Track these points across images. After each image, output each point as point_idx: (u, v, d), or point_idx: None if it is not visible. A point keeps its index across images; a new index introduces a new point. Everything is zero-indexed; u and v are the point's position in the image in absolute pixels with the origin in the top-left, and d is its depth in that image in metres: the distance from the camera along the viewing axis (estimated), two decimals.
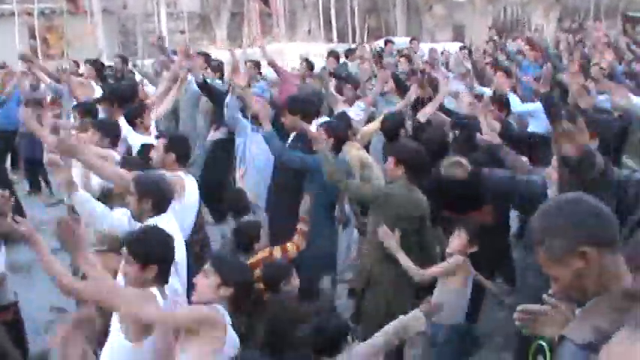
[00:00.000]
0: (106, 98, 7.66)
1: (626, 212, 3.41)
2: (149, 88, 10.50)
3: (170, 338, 3.63)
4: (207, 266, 3.66)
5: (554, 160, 4.08)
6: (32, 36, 22.70)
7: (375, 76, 11.44)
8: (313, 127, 6.70)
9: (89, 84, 9.90)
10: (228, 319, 3.63)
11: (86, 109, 7.36)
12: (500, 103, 7.52)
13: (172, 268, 3.91)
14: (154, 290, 3.74)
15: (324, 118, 7.47)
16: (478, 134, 6.01)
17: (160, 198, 4.54)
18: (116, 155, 6.07)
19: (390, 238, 5.01)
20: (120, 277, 3.99)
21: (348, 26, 26.60)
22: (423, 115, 7.27)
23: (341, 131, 6.30)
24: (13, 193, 9.72)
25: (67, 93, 9.51)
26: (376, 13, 29.73)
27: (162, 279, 3.75)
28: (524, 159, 5.85)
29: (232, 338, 3.64)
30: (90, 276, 3.66)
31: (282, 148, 6.19)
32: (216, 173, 9.00)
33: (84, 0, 23.94)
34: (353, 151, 6.89)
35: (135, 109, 7.58)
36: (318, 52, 16.33)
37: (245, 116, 7.77)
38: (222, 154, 8.67)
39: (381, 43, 17.36)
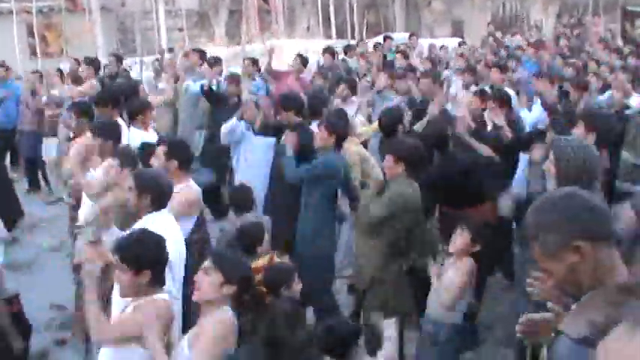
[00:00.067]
0: (102, 100, 7.63)
1: None
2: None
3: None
4: (208, 263, 3.61)
5: (552, 154, 4.08)
6: (31, 34, 22.66)
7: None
8: (314, 127, 6.74)
9: (93, 85, 9.88)
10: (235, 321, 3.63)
11: (82, 110, 7.36)
12: (501, 99, 7.50)
13: (166, 268, 3.89)
14: (162, 295, 3.74)
15: None
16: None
17: (159, 193, 4.55)
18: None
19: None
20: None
21: (347, 22, 26.56)
22: (420, 126, 7.26)
23: (341, 128, 6.31)
24: (13, 191, 9.74)
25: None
26: (375, 9, 29.70)
27: (156, 282, 3.72)
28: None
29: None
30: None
31: (295, 173, 6.12)
32: (214, 172, 9.02)
33: None
34: (352, 147, 6.91)
35: (137, 105, 7.61)
36: (317, 49, 16.29)
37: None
38: (219, 154, 8.67)
39: (380, 39, 17.33)
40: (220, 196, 8.90)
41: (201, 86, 9.48)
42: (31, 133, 10.84)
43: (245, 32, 24.43)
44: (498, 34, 19.05)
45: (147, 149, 6.09)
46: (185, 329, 4.02)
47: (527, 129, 7.76)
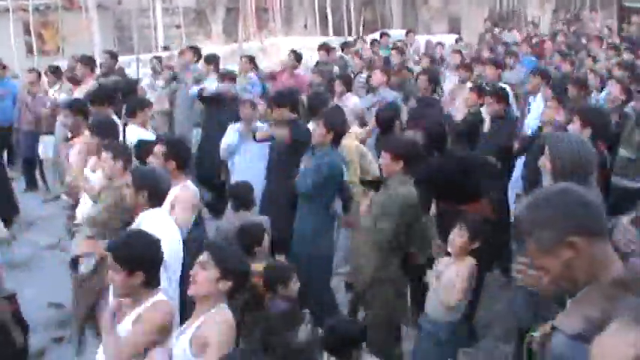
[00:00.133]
0: (97, 98, 7.64)
1: None
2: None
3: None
4: (204, 257, 3.58)
5: (547, 150, 4.08)
6: (27, 32, 22.60)
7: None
8: (311, 125, 6.75)
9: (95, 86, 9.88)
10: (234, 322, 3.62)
11: (78, 109, 7.37)
12: (498, 95, 7.51)
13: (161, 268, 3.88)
14: (159, 297, 3.73)
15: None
16: None
17: (156, 190, 4.55)
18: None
19: None
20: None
21: (344, 20, 26.54)
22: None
23: (339, 125, 6.31)
24: (10, 189, 9.74)
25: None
26: (372, 6, 29.68)
27: (150, 283, 3.70)
28: None
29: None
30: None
31: (305, 183, 6.07)
32: (208, 168, 9.04)
33: None
34: (349, 142, 6.97)
35: (135, 103, 7.64)
36: (314, 47, 16.25)
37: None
38: (215, 153, 8.68)
39: (376, 36, 17.33)
40: (217, 195, 8.91)
41: (199, 90, 9.60)
42: (29, 133, 10.83)
43: (242, 30, 24.39)
44: (497, 30, 19.00)
45: (144, 147, 6.09)
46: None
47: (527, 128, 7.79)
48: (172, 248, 4.31)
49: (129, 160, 5.73)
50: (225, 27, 28.31)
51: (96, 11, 22.70)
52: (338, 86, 9.31)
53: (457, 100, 9.31)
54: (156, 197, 4.56)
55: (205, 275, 3.51)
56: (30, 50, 22.55)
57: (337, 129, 6.19)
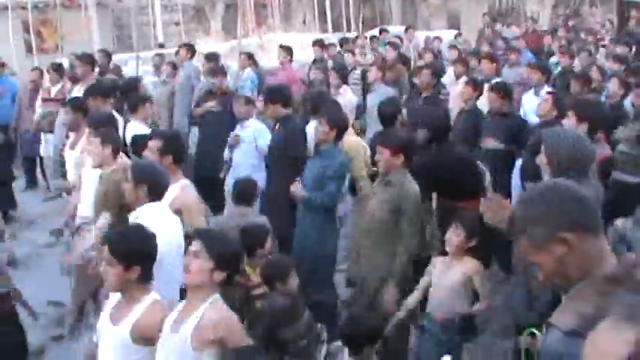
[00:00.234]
0: (93, 92, 7.69)
1: None
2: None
3: None
4: (197, 246, 3.56)
5: (543, 146, 4.08)
6: (26, 30, 22.56)
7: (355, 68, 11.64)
8: (312, 124, 6.78)
9: None
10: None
11: (77, 106, 7.39)
12: (499, 91, 7.46)
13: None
14: (153, 295, 3.72)
15: None
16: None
17: (155, 184, 4.54)
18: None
19: None
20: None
21: (343, 16, 26.50)
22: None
23: (341, 121, 6.33)
24: (10, 185, 9.77)
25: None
26: (371, 3, 29.62)
27: (145, 278, 3.70)
28: None
29: None
30: None
31: (332, 196, 6.10)
32: (208, 167, 9.03)
33: None
34: (352, 138, 7.07)
35: (137, 99, 7.68)
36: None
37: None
38: (214, 149, 8.69)
39: (376, 32, 17.35)
40: (216, 191, 8.91)
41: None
42: (31, 132, 10.83)
43: (241, 26, 24.35)
44: (498, 26, 18.99)
45: (140, 141, 6.09)
46: None
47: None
48: (172, 242, 4.29)
49: (118, 148, 5.72)
50: (224, 24, 28.29)
51: (95, 9, 22.66)
52: (334, 79, 9.42)
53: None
54: (155, 192, 4.54)
55: (199, 264, 3.51)
56: (29, 48, 22.50)
57: (340, 125, 6.23)
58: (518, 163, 6.64)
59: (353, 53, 12.92)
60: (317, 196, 6.00)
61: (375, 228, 5.34)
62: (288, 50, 12.04)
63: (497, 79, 9.08)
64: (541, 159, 4.10)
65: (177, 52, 12.46)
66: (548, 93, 7.55)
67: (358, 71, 11.64)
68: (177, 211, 4.73)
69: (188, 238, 4.09)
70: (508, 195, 6.81)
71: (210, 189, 8.82)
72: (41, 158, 10.83)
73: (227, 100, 8.95)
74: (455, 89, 9.29)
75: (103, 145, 5.61)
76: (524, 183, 6.25)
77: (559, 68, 11.16)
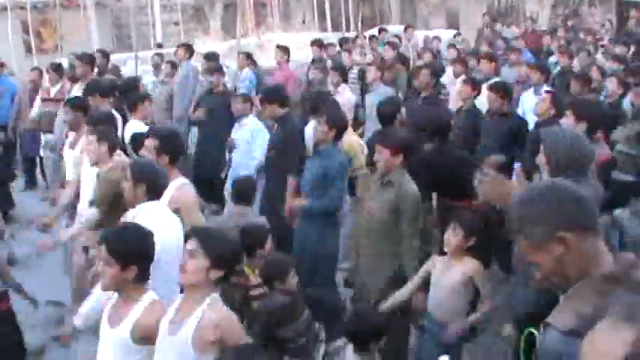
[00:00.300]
0: (91, 90, 7.71)
1: None
2: None
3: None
4: (193, 245, 3.52)
5: (542, 146, 4.08)
6: (25, 30, 22.56)
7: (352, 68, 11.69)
8: (311, 124, 6.79)
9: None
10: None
11: (77, 105, 7.38)
12: (499, 90, 7.45)
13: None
14: (150, 294, 3.71)
15: None
16: None
17: (154, 183, 4.52)
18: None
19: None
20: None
21: (342, 16, 26.51)
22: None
23: (341, 121, 6.34)
24: (7, 187, 9.76)
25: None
26: (370, 2, 29.62)
27: (142, 278, 3.68)
28: None
29: None
30: None
31: (335, 200, 6.13)
32: (208, 168, 9.04)
33: None
34: (352, 137, 7.15)
35: (136, 97, 7.69)
36: None
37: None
38: (213, 149, 8.70)
39: (375, 31, 17.36)
40: (216, 191, 8.92)
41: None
42: (30, 131, 10.83)
43: (240, 26, 24.34)
44: (498, 26, 19.00)
45: (139, 140, 6.08)
46: None
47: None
48: (170, 242, 4.27)
49: (114, 146, 5.71)
50: (224, 23, 28.28)
51: (94, 9, 22.70)
52: (334, 77, 9.50)
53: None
54: (154, 190, 4.51)
55: (195, 264, 3.47)
56: (28, 48, 22.49)
57: (339, 125, 6.24)
58: (517, 165, 6.66)
59: (350, 52, 12.95)
60: (319, 204, 6.02)
61: (375, 228, 5.33)
62: (285, 50, 12.10)
63: (496, 79, 9.08)
64: (540, 158, 4.11)
65: (176, 52, 12.47)
66: (547, 92, 7.55)
67: (355, 70, 11.69)
68: (176, 211, 4.71)
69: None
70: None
71: (210, 189, 8.85)
72: (41, 158, 10.82)
73: (226, 100, 8.96)
74: (454, 89, 9.30)
75: (99, 143, 5.60)
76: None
77: (558, 68, 11.17)
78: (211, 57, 11.34)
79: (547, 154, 4.01)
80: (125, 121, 7.66)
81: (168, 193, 4.85)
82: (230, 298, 4.70)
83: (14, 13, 21.81)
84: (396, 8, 28.11)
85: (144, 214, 4.35)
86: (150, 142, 5.29)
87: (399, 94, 10.16)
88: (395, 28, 18.41)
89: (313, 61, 12.89)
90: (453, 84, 9.78)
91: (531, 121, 7.50)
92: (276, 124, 7.26)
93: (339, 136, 6.25)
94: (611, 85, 8.24)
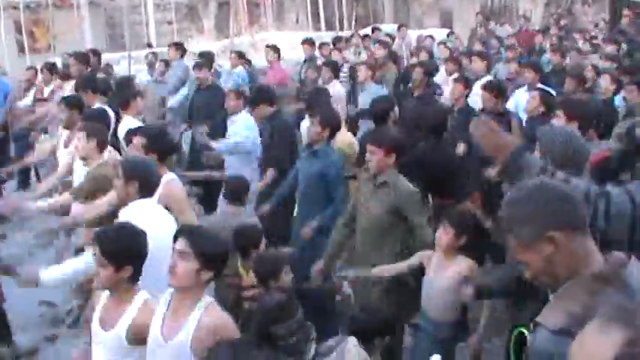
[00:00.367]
0: (82, 85, 7.73)
1: None
2: None
3: None
4: (182, 246, 3.43)
5: (537, 145, 4.08)
6: (18, 30, 22.51)
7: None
8: (305, 124, 6.81)
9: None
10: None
11: (73, 103, 7.37)
12: (492, 89, 7.42)
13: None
14: (143, 294, 3.69)
15: None
16: None
17: (146, 181, 4.49)
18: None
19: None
20: None
21: (336, 15, 26.52)
22: None
23: (334, 120, 6.35)
24: None
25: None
26: (364, 1, 29.65)
27: (136, 277, 3.65)
28: None
29: None
30: None
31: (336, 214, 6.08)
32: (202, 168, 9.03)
33: None
34: (346, 137, 7.13)
35: (127, 94, 7.69)
36: None
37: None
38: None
39: (368, 30, 17.37)
40: (211, 191, 8.91)
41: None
42: (26, 132, 10.80)
43: (234, 25, 24.33)
44: (491, 25, 19.03)
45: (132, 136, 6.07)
46: None
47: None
48: (162, 239, 4.21)
49: (104, 142, 5.70)
50: (217, 22, 28.28)
51: (87, 8, 22.68)
52: (326, 72, 9.59)
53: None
54: (147, 188, 4.48)
55: (184, 266, 3.39)
56: (21, 48, 22.46)
57: (333, 124, 6.25)
58: None
59: (340, 51, 13.00)
60: (327, 216, 6.03)
61: (373, 228, 5.28)
62: (275, 49, 12.19)
63: (488, 77, 9.09)
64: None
65: (168, 51, 12.49)
66: (536, 90, 7.57)
67: (346, 68, 11.73)
68: (167, 207, 4.70)
69: None
70: (501, 196, 6.83)
71: (204, 189, 8.84)
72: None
73: (216, 96, 9.02)
74: (447, 88, 9.30)
75: (88, 139, 5.58)
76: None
77: (550, 66, 11.19)
78: (205, 55, 11.35)
79: (542, 152, 4.01)
80: (119, 118, 7.64)
81: (157, 190, 4.83)
82: (224, 298, 4.71)
83: (7, 13, 21.78)
84: (390, 8, 28.15)
85: (135, 212, 4.32)
86: (138, 140, 5.31)
87: (386, 89, 10.18)
88: (388, 27, 18.42)
89: (306, 60, 12.91)
90: (446, 83, 9.78)
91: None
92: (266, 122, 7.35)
93: (332, 135, 6.26)
94: (604, 82, 8.27)
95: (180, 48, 11.60)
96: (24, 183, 11.35)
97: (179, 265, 3.40)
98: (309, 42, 13.42)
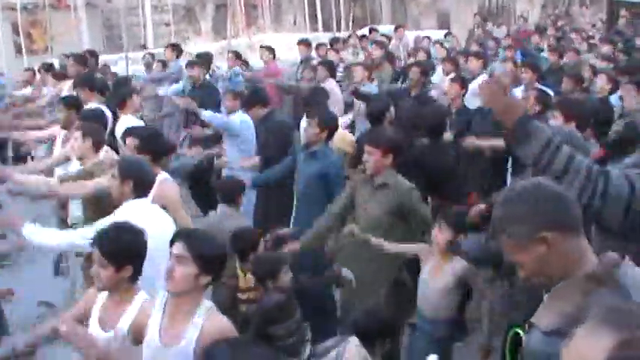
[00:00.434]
0: (80, 82, 7.74)
1: None
2: None
3: None
4: (180, 250, 3.33)
5: None
6: (15, 31, 22.49)
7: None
8: (304, 123, 6.83)
9: None
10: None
11: (71, 103, 7.38)
12: None
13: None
14: (142, 294, 3.68)
15: None
16: None
17: (141, 180, 4.49)
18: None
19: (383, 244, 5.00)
20: None
21: (333, 16, 26.54)
22: None
23: (332, 121, 6.35)
24: None
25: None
26: (361, 2, 29.67)
27: (136, 276, 3.63)
28: None
29: None
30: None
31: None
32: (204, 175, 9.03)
33: None
34: (347, 136, 7.22)
35: (123, 92, 7.71)
36: None
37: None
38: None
39: (365, 31, 17.39)
40: (210, 191, 8.91)
41: None
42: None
43: (231, 27, 24.34)
44: (489, 25, 19.05)
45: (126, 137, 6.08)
46: None
47: None
48: (158, 239, 4.21)
49: (99, 142, 5.69)
50: (215, 24, 28.28)
51: (84, 10, 22.67)
52: (321, 71, 9.60)
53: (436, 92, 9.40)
54: (142, 188, 4.48)
55: (182, 271, 3.30)
56: (18, 49, 22.44)
57: (331, 126, 6.25)
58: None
59: (337, 51, 13.02)
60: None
61: (372, 230, 5.22)
62: (270, 50, 12.25)
63: (484, 75, 9.10)
64: None
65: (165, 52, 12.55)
66: (534, 89, 7.59)
67: (341, 68, 11.76)
68: (162, 207, 4.69)
69: None
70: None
71: (203, 190, 8.84)
72: (32, 158, 10.78)
73: (211, 94, 9.05)
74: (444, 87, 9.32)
75: (84, 138, 5.58)
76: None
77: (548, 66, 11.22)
78: (203, 56, 11.41)
79: None
80: (116, 117, 7.64)
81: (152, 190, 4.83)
82: (220, 300, 4.70)
83: (4, 14, 21.75)
84: (387, 8, 28.18)
85: (131, 211, 4.31)
86: (130, 142, 5.30)
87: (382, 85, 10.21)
88: (386, 28, 18.44)
89: (302, 61, 12.93)
90: (443, 83, 9.80)
91: None
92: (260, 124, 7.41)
93: (330, 136, 6.26)
94: (601, 81, 8.29)
95: (176, 49, 11.72)
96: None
97: (177, 269, 3.31)
98: (304, 43, 13.43)
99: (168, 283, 3.34)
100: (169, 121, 10.89)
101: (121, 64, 15.40)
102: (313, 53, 13.35)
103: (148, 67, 13.49)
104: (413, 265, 5.23)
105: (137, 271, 3.63)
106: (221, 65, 13.56)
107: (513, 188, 2.37)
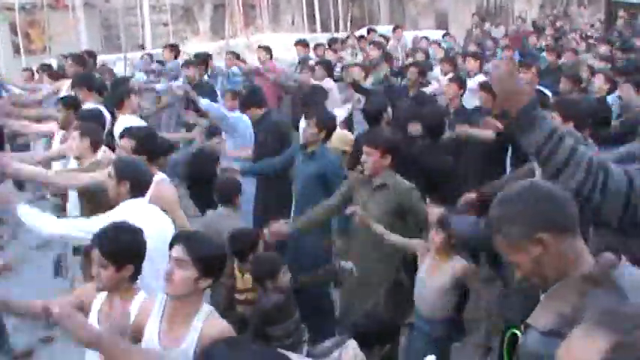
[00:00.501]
0: (77, 83, 7.75)
1: None
2: None
3: None
4: (179, 253, 3.30)
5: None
6: (13, 31, 22.48)
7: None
8: (302, 123, 6.83)
9: None
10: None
11: (70, 102, 7.37)
12: (490, 89, 7.41)
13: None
14: (142, 294, 3.67)
15: None
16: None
17: (138, 181, 4.48)
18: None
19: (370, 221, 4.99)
20: None
21: (331, 16, 26.55)
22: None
23: (330, 121, 6.36)
24: None
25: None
26: (359, 2, 29.68)
27: (136, 275, 3.62)
28: None
29: None
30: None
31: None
32: (202, 166, 9.02)
33: None
34: (346, 135, 7.24)
35: (121, 92, 7.70)
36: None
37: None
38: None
39: (364, 31, 17.39)
40: (209, 192, 8.89)
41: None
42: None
43: (229, 27, 24.35)
44: (487, 26, 19.06)
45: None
46: None
47: None
48: (155, 238, 4.20)
49: (97, 141, 5.69)
50: (213, 24, 28.28)
51: (82, 10, 22.64)
52: (319, 71, 9.65)
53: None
54: (138, 188, 4.46)
55: (182, 275, 3.26)
56: (17, 50, 22.43)
57: (329, 126, 6.26)
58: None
59: (335, 52, 13.04)
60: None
61: (371, 236, 5.26)
62: (267, 50, 12.25)
63: (480, 75, 9.12)
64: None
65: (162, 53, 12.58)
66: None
67: (338, 68, 11.77)
68: (160, 209, 4.69)
69: None
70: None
71: (202, 190, 8.83)
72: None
73: (208, 93, 9.05)
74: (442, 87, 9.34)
75: (82, 138, 5.57)
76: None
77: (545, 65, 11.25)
78: (201, 56, 11.42)
79: None
80: (114, 118, 7.64)
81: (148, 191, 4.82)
82: (218, 301, 4.70)
83: (2, 15, 21.73)
84: (385, 9, 28.19)
85: (128, 211, 4.30)
86: (126, 143, 5.28)
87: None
88: (384, 28, 18.44)
89: (300, 61, 12.95)
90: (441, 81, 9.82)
91: None
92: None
93: (328, 136, 6.27)
94: (598, 81, 8.31)
95: (174, 49, 11.77)
96: (20, 184, 11.32)
97: (176, 273, 3.28)
98: (302, 43, 13.46)
99: (168, 287, 3.31)
100: (169, 112, 10.89)
101: (120, 64, 15.42)
102: (311, 53, 13.36)
103: (147, 67, 13.50)
104: (410, 266, 5.23)
105: (137, 271, 3.62)
106: (219, 66, 13.57)
107: (510, 188, 2.37)
